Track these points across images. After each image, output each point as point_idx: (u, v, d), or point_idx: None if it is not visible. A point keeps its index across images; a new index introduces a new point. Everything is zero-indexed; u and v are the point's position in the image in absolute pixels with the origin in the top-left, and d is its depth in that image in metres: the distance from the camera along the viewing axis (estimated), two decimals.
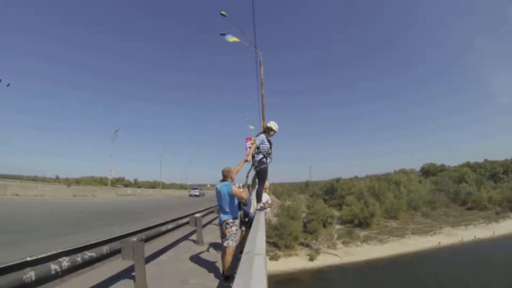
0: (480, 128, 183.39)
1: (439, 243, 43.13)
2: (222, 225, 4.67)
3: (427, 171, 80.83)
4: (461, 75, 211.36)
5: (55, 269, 2.64)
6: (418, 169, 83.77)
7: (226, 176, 4.75)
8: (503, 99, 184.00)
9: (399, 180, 64.72)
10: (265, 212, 5.47)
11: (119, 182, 68.94)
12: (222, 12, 13.99)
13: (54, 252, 2.72)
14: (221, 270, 5.04)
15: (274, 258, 37.18)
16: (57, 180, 61.51)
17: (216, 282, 4.70)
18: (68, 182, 51.89)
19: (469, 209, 56.57)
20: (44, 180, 55.15)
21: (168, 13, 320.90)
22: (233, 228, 4.62)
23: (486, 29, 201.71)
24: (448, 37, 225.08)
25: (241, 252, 4.41)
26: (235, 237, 4.62)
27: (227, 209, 4.63)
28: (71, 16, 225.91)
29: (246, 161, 5.57)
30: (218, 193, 4.72)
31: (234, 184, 4.73)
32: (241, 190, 5.20)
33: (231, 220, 4.63)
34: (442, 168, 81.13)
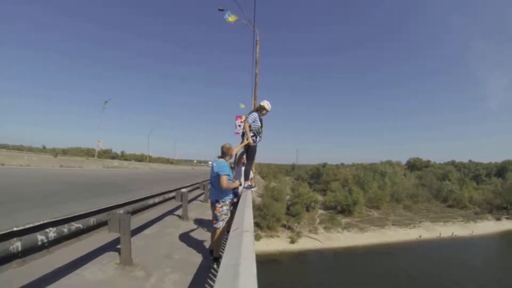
0: (469, 128, 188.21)
1: (420, 236, 44.61)
2: (213, 204, 4.51)
3: (413, 165, 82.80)
4: (457, 75, 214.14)
5: (42, 240, 2.62)
6: (404, 162, 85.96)
7: (225, 153, 4.48)
8: (493, 103, 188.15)
9: (384, 171, 66.16)
10: (252, 191, 5.52)
11: (106, 154, 67.92)
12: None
13: (41, 222, 2.69)
14: (205, 247, 5.09)
15: (255, 238, 37.38)
16: (43, 150, 60.23)
17: (199, 258, 4.72)
18: (54, 152, 50.91)
19: (449, 206, 58.48)
20: (31, 149, 53.87)
21: None
22: (224, 208, 4.42)
23: (485, 33, 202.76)
24: (448, 37, 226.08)
25: (228, 231, 4.47)
26: (226, 217, 4.45)
27: (218, 188, 4.37)
28: None
29: (248, 144, 5.47)
30: (212, 170, 4.50)
31: (228, 167, 4.41)
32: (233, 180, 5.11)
33: (221, 199, 4.42)
34: (428, 164, 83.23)
